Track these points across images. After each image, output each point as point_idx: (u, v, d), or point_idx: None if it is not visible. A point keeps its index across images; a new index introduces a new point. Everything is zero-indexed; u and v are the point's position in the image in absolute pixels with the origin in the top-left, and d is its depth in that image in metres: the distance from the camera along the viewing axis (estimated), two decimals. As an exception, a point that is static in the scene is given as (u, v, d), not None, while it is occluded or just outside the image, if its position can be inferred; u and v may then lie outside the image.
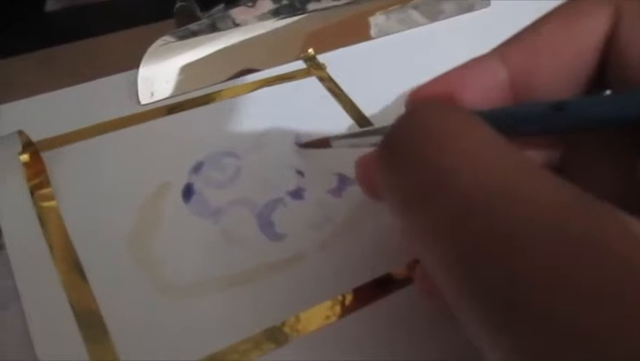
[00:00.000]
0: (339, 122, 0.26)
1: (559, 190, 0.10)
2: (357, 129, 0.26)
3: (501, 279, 0.10)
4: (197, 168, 0.23)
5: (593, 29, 0.14)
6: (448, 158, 0.11)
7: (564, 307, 0.09)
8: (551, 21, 0.15)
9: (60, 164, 0.23)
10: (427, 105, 0.13)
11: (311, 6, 0.31)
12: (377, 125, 0.26)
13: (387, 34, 0.31)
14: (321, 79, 0.28)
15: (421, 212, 0.12)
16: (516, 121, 0.14)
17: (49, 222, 0.20)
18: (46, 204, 0.21)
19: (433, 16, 0.32)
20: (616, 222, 0.10)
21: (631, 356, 0.08)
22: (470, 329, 0.11)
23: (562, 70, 0.14)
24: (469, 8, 0.33)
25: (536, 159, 0.16)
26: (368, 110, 0.27)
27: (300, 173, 0.23)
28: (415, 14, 0.32)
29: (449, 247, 0.11)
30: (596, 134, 0.15)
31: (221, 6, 0.30)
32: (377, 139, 0.17)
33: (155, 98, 0.26)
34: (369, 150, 0.19)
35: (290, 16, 0.30)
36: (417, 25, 0.32)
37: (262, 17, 0.29)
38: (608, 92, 0.15)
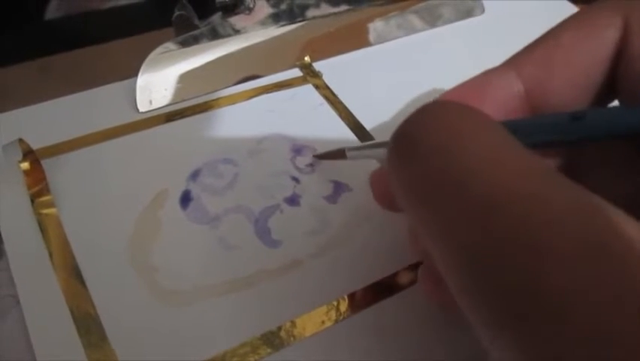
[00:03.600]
0: (336, 130, 0.26)
1: (576, 194, 0.10)
2: (354, 138, 0.26)
3: (517, 279, 0.10)
4: (194, 175, 0.24)
5: (604, 41, 0.14)
6: (467, 156, 0.11)
7: (579, 309, 0.09)
8: (564, 33, 0.15)
9: (60, 171, 0.23)
10: (444, 102, 0.13)
11: (310, 13, 0.31)
12: (375, 132, 0.26)
13: (386, 39, 0.32)
14: (317, 86, 0.28)
15: (436, 208, 0.11)
16: (535, 131, 0.14)
17: (49, 229, 0.21)
18: (46, 211, 0.21)
19: (432, 21, 0.33)
20: (630, 228, 0.10)
21: None
22: (478, 327, 0.11)
23: (575, 81, 0.15)
24: (468, 14, 0.34)
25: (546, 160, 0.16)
26: (364, 117, 0.27)
27: (296, 179, 0.24)
28: (415, 19, 0.33)
29: (465, 245, 0.11)
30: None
31: (218, 14, 0.30)
32: None
33: (153, 106, 0.26)
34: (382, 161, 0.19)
35: (290, 24, 0.30)
36: (416, 30, 0.32)
37: (262, 23, 0.30)
38: (616, 102, 0.16)
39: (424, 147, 0.12)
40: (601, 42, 0.14)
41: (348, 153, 0.22)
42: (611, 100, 0.15)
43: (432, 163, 0.12)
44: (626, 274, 0.09)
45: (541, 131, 0.14)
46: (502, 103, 0.15)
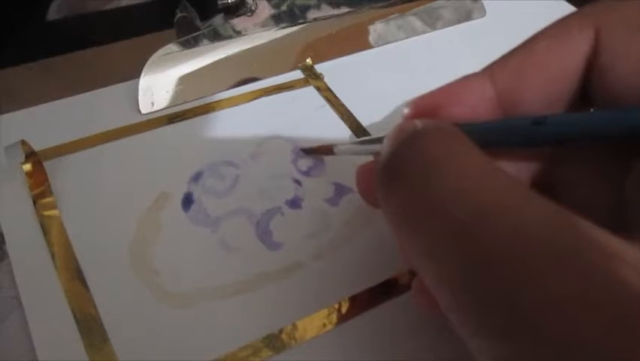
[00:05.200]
0: (337, 132, 0.26)
1: (545, 209, 0.11)
2: (356, 139, 0.26)
3: (495, 294, 0.11)
4: (196, 177, 0.24)
5: (576, 51, 0.15)
6: (443, 184, 0.12)
7: (555, 320, 0.10)
8: (538, 42, 0.15)
9: (62, 173, 0.23)
10: (421, 131, 0.14)
11: (311, 14, 0.31)
12: (375, 134, 0.26)
13: (387, 41, 0.32)
14: (318, 88, 0.28)
15: (419, 234, 0.12)
16: (500, 134, 0.15)
17: (51, 230, 0.21)
18: (48, 213, 0.21)
19: (433, 22, 0.33)
20: (600, 237, 0.10)
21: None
22: (465, 339, 0.12)
23: (546, 89, 0.15)
24: (467, 16, 0.34)
25: (525, 174, 0.16)
26: (365, 118, 0.27)
27: (298, 182, 0.24)
28: (415, 21, 0.33)
29: (447, 265, 0.12)
30: (584, 151, 0.16)
31: (220, 16, 0.30)
32: (378, 147, 0.18)
33: (155, 108, 0.26)
34: (369, 157, 0.20)
35: (290, 26, 0.30)
36: (416, 32, 0.32)
37: (263, 25, 0.30)
38: (592, 109, 0.16)
39: (405, 177, 0.13)
40: (572, 52, 0.15)
41: (335, 149, 0.22)
42: (586, 109, 0.16)
43: (413, 191, 0.13)
44: (598, 283, 0.10)
45: (504, 134, 0.15)
46: (474, 107, 0.15)
